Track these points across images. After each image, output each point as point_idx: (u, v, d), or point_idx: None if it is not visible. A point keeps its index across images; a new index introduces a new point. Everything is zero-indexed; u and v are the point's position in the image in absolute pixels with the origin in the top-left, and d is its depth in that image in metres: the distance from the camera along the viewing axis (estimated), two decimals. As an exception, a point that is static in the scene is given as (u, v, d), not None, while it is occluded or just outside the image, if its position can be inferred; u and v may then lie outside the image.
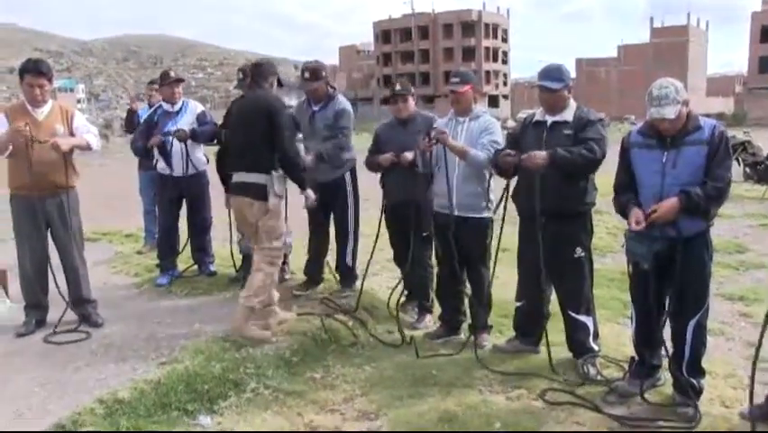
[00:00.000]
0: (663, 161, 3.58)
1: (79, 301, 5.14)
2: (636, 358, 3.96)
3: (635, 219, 3.57)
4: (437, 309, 5.24)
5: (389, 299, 5.24)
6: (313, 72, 5.47)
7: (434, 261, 5.20)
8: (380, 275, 6.58)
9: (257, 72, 4.76)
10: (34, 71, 4.76)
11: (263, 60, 5.04)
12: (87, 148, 4.99)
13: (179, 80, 6.29)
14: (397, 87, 5.19)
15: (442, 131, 4.53)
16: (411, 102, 5.15)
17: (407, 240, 5.05)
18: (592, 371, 4.17)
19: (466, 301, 4.94)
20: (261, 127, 4.55)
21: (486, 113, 4.82)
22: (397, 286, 5.24)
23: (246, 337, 4.62)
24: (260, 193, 4.60)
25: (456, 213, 4.63)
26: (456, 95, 4.66)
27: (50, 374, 4.20)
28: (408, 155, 4.88)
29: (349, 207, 5.69)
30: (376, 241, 5.32)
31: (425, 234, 5.06)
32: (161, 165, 6.23)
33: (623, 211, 3.77)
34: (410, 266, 5.11)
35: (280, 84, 4.93)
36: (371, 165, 5.20)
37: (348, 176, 5.67)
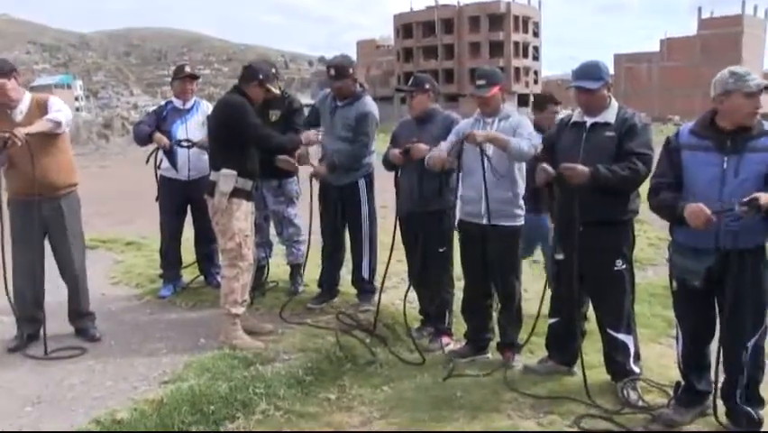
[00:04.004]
0: (724, 166, 3.47)
1: (77, 314, 5.19)
2: (683, 383, 3.91)
3: (702, 214, 3.33)
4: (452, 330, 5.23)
5: (404, 314, 5.23)
6: (338, 69, 5.49)
7: (454, 277, 5.19)
8: (400, 288, 6.56)
9: (240, 76, 5.12)
10: None
11: (252, 63, 5.35)
12: (56, 127, 4.80)
13: (194, 77, 6.34)
14: (410, 82, 5.23)
15: (468, 134, 4.49)
16: (424, 98, 5.11)
17: (420, 255, 5.08)
18: (633, 396, 4.11)
19: (495, 317, 4.93)
20: (217, 129, 5.04)
21: (515, 112, 4.81)
22: (405, 297, 5.23)
23: (234, 347, 4.82)
24: (212, 190, 4.96)
25: (485, 221, 4.60)
26: (484, 99, 4.65)
27: (43, 392, 4.22)
28: (422, 146, 4.81)
29: (363, 216, 5.71)
30: (391, 253, 5.31)
31: (441, 249, 5.06)
32: (165, 166, 6.25)
33: (667, 208, 3.59)
34: (426, 286, 5.13)
35: (264, 82, 5.03)
36: (385, 162, 5.20)
37: (363, 182, 5.69)
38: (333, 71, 5.50)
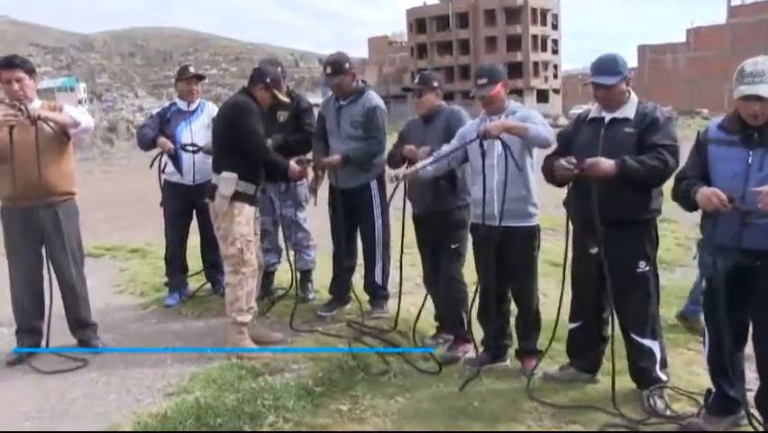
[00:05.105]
0: (749, 161, 3.43)
1: (78, 324, 5.21)
2: (714, 390, 3.85)
3: (715, 197, 3.37)
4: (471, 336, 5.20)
5: (415, 323, 5.23)
6: (334, 65, 5.51)
7: (466, 278, 5.20)
8: (415, 294, 6.55)
9: (250, 76, 5.19)
10: (6, 65, 4.83)
11: (261, 65, 5.47)
12: (74, 124, 4.97)
13: (199, 77, 6.38)
14: (415, 80, 5.26)
15: (483, 131, 4.43)
16: (432, 96, 5.13)
17: (433, 257, 5.09)
18: (660, 404, 4.07)
19: (512, 322, 4.91)
20: (221, 131, 5.10)
21: (521, 106, 4.80)
22: (421, 308, 5.21)
23: (242, 356, 4.87)
24: (213, 194, 5.03)
25: (499, 223, 4.58)
26: (487, 98, 4.62)
27: (43, 406, 4.25)
28: (426, 149, 4.86)
29: (376, 218, 5.71)
30: (401, 255, 5.32)
31: (453, 246, 5.06)
32: (170, 170, 6.28)
33: (683, 193, 3.61)
34: (437, 287, 5.16)
35: (270, 87, 5.08)
36: (390, 159, 5.27)
37: (374, 183, 5.69)
38: (329, 69, 5.54)
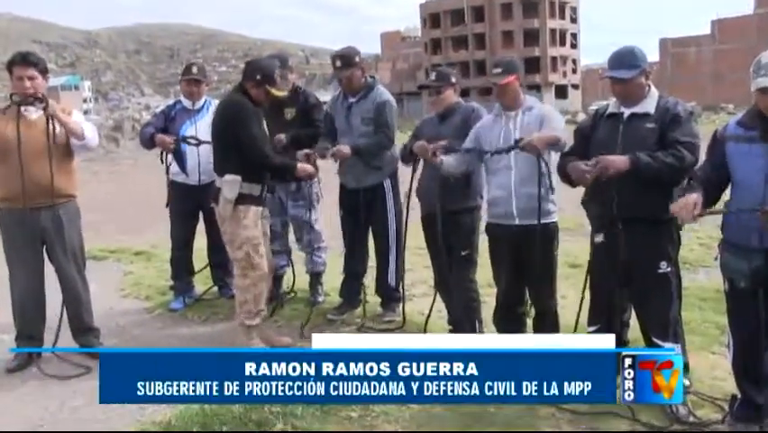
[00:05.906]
0: None
1: (80, 330, 5.22)
2: (739, 396, 3.81)
3: (692, 203, 3.41)
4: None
5: (425, 325, 5.22)
6: (344, 59, 5.51)
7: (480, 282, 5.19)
8: (429, 296, 6.54)
9: (243, 72, 5.13)
10: (21, 62, 4.87)
11: (255, 59, 5.49)
12: (80, 136, 4.99)
13: (199, 81, 6.36)
14: (431, 77, 5.25)
15: (525, 143, 4.36)
16: (449, 93, 5.12)
17: (442, 259, 5.08)
18: (682, 411, 4.01)
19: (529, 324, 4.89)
20: (219, 132, 5.08)
21: (537, 101, 4.81)
22: (431, 310, 5.22)
23: None
24: (217, 197, 5.03)
25: (517, 222, 4.57)
26: (499, 87, 4.63)
27: (44, 415, 4.27)
28: (442, 144, 4.82)
29: (389, 219, 5.70)
30: (401, 252, 5.32)
31: (463, 252, 5.05)
32: (174, 170, 6.27)
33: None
34: (449, 290, 5.15)
35: (262, 83, 4.99)
36: (401, 155, 5.30)
37: (388, 182, 5.69)
38: (338, 62, 5.53)
